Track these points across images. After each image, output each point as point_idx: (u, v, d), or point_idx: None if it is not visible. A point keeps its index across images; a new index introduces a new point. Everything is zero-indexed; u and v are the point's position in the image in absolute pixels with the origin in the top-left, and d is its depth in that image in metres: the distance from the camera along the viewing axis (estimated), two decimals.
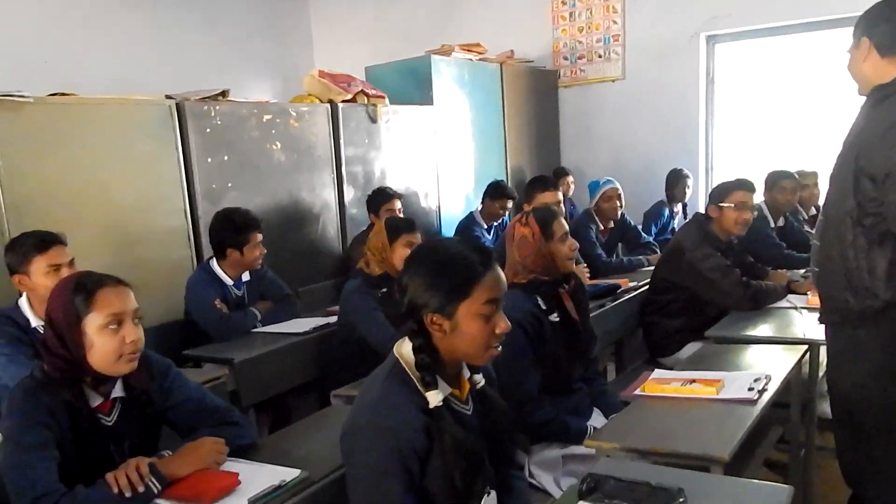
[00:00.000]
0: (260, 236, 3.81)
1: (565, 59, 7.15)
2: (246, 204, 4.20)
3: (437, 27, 7.32)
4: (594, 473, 1.77)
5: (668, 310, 3.88)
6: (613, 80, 6.93)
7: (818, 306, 2.53)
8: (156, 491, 1.87)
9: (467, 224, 5.53)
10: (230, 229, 3.75)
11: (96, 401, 2.00)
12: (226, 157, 4.39)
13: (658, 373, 2.71)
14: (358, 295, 3.45)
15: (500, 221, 5.59)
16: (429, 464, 1.72)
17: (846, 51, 2.38)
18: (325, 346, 3.64)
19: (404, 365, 1.78)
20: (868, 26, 2.28)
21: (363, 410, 1.75)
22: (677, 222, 6.14)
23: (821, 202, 3.55)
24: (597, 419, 2.83)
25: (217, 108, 4.35)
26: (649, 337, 4.01)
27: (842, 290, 2.29)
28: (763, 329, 3.35)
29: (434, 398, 1.72)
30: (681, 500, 1.63)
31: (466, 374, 1.87)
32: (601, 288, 4.13)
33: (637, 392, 2.53)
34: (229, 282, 3.82)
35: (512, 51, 6.85)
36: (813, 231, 2.73)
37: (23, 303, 2.96)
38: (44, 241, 2.91)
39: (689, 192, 6.23)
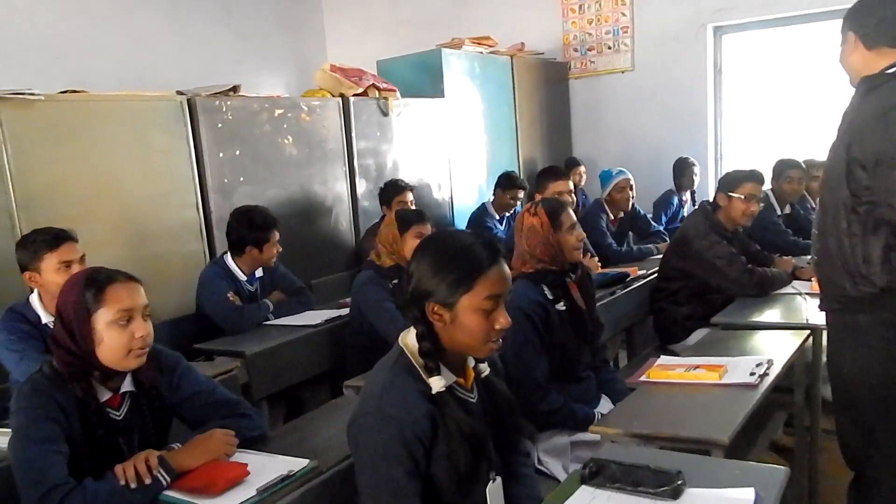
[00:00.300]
0: (278, 235, 3.83)
1: (575, 51, 7.17)
2: (258, 198, 4.25)
3: (448, 21, 7.35)
4: (597, 458, 1.80)
5: (676, 297, 3.90)
6: (623, 72, 6.95)
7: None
8: (164, 483, 1.88)
9: (479, 215, 5.54)
10: (251, 227, 3.76)
11: (105, 395, 2.00)
12: (238, 152, 4.42)
13: (663, 359, 2.74)
14: (369, 286, 3.48)
15: (511, 212, 5.58)
16: (434, 450, 1.74)
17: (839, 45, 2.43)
18: (338, 338, 3.65)
19: (409, 354, 1.80)
20: (853, 21, 2.35)
21: (369, 398, 1.77)
22: (686, 210, 6.14)
23: None
24: (605, 406, 2.85)
25: (228, 103, 4.39)
26: (659, 324, 4.04)
27: (839, 277, 2.31)
28: (768, 315, 3.37)
29: (437, 384, 1.74)
30: (679, 482, 1.65)
31: (471, 362, 1.89)
32: (610, 276, 4.14)
33: (642, 378, 2.57)
34: (243, 277, 3.84)
35: (522, 43, 6.86)
36: None
37: (34, 299, 2.98)
38: (55, 238, 2.92)
39: (696, 179, 6.25)
